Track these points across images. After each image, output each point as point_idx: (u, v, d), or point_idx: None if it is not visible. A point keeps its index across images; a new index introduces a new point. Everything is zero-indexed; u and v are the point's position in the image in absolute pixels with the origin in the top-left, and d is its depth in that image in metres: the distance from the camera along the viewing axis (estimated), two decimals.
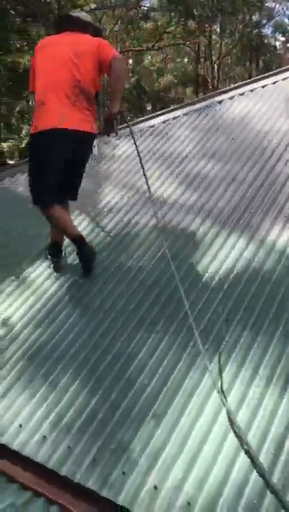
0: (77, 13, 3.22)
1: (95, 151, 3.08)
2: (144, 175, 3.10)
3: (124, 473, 1.88)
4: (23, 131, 19.89)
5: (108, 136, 3.02)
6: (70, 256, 3.16)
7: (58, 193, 2.88)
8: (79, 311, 2.69)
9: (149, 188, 3.08)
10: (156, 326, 2.48)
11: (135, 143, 3.19)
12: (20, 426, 2.13)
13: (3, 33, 14.01)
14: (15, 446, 2.06)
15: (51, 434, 2.07)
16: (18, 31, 16.70)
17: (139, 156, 3.15)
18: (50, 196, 2.85)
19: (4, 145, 20.05)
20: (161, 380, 2.20)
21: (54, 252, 3.09)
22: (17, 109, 25.55)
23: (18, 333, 2.64)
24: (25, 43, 19.96)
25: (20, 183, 4.30)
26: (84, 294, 2.80)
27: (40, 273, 3.07)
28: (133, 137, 3.20)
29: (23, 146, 18.25)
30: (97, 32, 3.06)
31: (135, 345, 2.40)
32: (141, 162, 3.13)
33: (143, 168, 3.11)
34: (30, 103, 30.99)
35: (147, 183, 3.08)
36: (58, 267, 3.05)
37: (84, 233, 3.35)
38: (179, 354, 2.30)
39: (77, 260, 2.99)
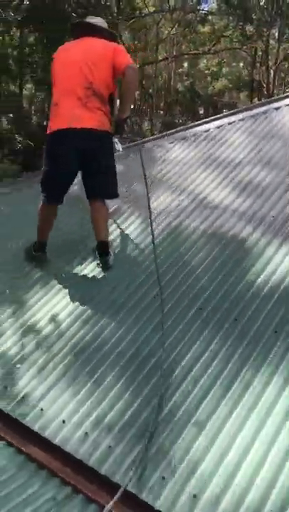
0: (93, 18, 3.31)
1: (118, 147, 3.17)
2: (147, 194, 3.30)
3: (163, 478, 1.86)
4: None
5: (118, 137, 3.15)
6: (117, 257, 3.19)
7: (62, 195, 3.11)
8: (125, 311, 2.70)
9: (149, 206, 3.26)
10: (202, 333, 2.46)
11: (142, 161, 3.33)
12: (64, 422, 2.16)
13: (63, 34, 14.30)
14: (57, 441, 2.09)
15: (93, 432, 2.09)
16: None
17: (144, 174, 3.27)
18: (55, 195, 3.11)
19: None
20: (204, 387, 2.18)
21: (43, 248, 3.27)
22: None
23: (65, 329, 2.68)
24: None
25: None
26: (130, 295, 2.81)
27: (90, 271, 3.11)
28: (141, 155, 3.35)
29: None
30: (112, 37, 3.20)
31: (180, 351, 2.38)
32: (145, 179, 3.28)
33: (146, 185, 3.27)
34: None
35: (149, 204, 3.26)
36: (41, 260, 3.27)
37: (134, 235, 3.39)
38: (224, 363, 2.26)
39: (124, 261, 3.14)
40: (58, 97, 2.98)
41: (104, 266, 3.07)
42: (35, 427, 2.17)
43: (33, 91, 21.21)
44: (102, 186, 3.14)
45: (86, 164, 3.03)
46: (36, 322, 2.78)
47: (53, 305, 2.88)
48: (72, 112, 2.89)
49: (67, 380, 2.37)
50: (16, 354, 2.58)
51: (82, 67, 2.91)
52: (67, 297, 2.92)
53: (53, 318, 2.78)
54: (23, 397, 2.32)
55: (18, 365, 2.51)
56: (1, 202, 4.55)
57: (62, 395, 2.30)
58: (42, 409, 2.24)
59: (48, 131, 3.02)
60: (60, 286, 3.03)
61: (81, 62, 2.93)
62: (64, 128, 2.90)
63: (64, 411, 2.22)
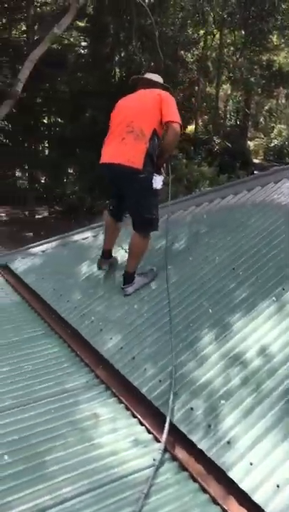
0: (150, 74, 3.63)
1: (155, 185, 3.18)
2: None
3: None
4: (275, 131, 19.45)
5: (157, 176, 3.19)
6: None
7: (117, 212, 3.50)
8: None
9: None
10: None
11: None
12: (278, 487, 1.80)
13: (265, 34, 13.84)
14: (269, 510, 1.74)
15: None
16: (277, 28, 16.35)
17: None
18: (112, 210, 3.53)
19: (251, 144, 20.06)
20: None
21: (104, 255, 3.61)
22: (266, 107, 25.32)
23: (278, 366, 2.30)
24: (282, 41, 19.49)
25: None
26: None
27: None
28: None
29: (271, 145, 17.87)
30: (165, 89, 3.43)
31: None
32: None
33: None
34: (280, 101, 30.55)
35: None
36: (99, 265, 3.62)
37: None
38: None
39: None
40: (107, 137, 3.33)
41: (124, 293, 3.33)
42: (243, 485, 1.85)
43: (229, 91, 21.09)
44: (133, 218, 3.35)
45: (121, 194, 3.37)
46: (243, 352, 2.45)
47: (263, 334, 2.52)
48: (112, 149, 3.23)
49: (281, 433, 1.99)
50: (221, 387, 2.29)
51: (129, 111, 3.26)
52: (279, 326, 2.53)
53: (263, 351, 2.42)
54: (228, 442, 2.02)
55: (222, 401, 2.22)
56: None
57: (274, 451, 1.93)
58: (251, 464, 1.91)
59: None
60: (272, 311, 2.66)
61: (131, 108, 3.28)
62: (104, 162, 3.26)
63: (278, 472, 1.85)
